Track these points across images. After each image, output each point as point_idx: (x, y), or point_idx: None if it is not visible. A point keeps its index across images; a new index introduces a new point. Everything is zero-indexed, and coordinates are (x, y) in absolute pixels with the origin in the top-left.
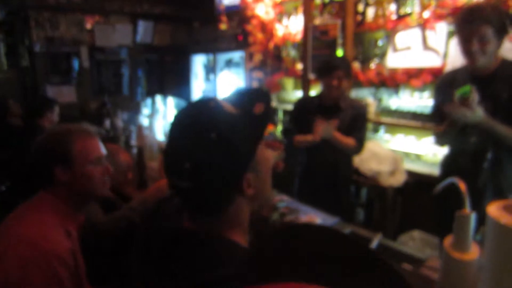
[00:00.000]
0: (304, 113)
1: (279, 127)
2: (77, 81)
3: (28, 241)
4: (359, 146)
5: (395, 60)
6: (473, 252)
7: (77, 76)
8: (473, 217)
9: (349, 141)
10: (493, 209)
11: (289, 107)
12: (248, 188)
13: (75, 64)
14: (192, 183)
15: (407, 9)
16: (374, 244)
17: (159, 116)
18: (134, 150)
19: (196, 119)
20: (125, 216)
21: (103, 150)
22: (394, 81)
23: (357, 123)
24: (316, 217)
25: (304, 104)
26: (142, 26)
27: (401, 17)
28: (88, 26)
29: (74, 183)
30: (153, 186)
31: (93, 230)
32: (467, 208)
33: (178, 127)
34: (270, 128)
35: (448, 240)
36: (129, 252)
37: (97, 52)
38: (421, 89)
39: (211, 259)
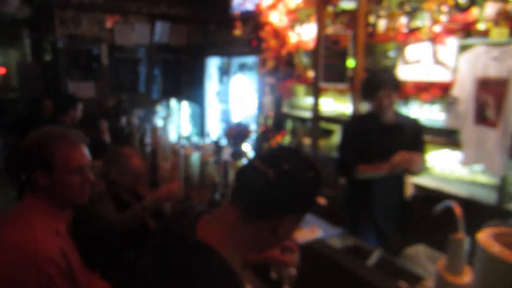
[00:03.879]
0: (362, 135)
1: (287, 137)
2: (96, 77)
3: (16, 247)
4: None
5: (405, 73)
6: (466, 275)
7: (96, 72)
8: (467, 242)
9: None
10: (484, 237)
11: (300, 113)
12: (280, 226)
13: (95, 61)
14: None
15: (418, 23)
16: (373, 259)
17: (174, 118)
18: (148, 149)
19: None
20: (138, 215)
21: (86, 158)
22: (404, 93)
23: (419, 140)
24: (319, 228)
25: (359, 125)
26: (160, 27)
27: (412, 31)
28: (109, 25)
29: (52, 189)
30: (165, 187)
31: (105, 227)
32: (461, 232)
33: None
34: (278, 139)
35: (441, 263)
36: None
37: (116, 50)
38: (431, 102)
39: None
